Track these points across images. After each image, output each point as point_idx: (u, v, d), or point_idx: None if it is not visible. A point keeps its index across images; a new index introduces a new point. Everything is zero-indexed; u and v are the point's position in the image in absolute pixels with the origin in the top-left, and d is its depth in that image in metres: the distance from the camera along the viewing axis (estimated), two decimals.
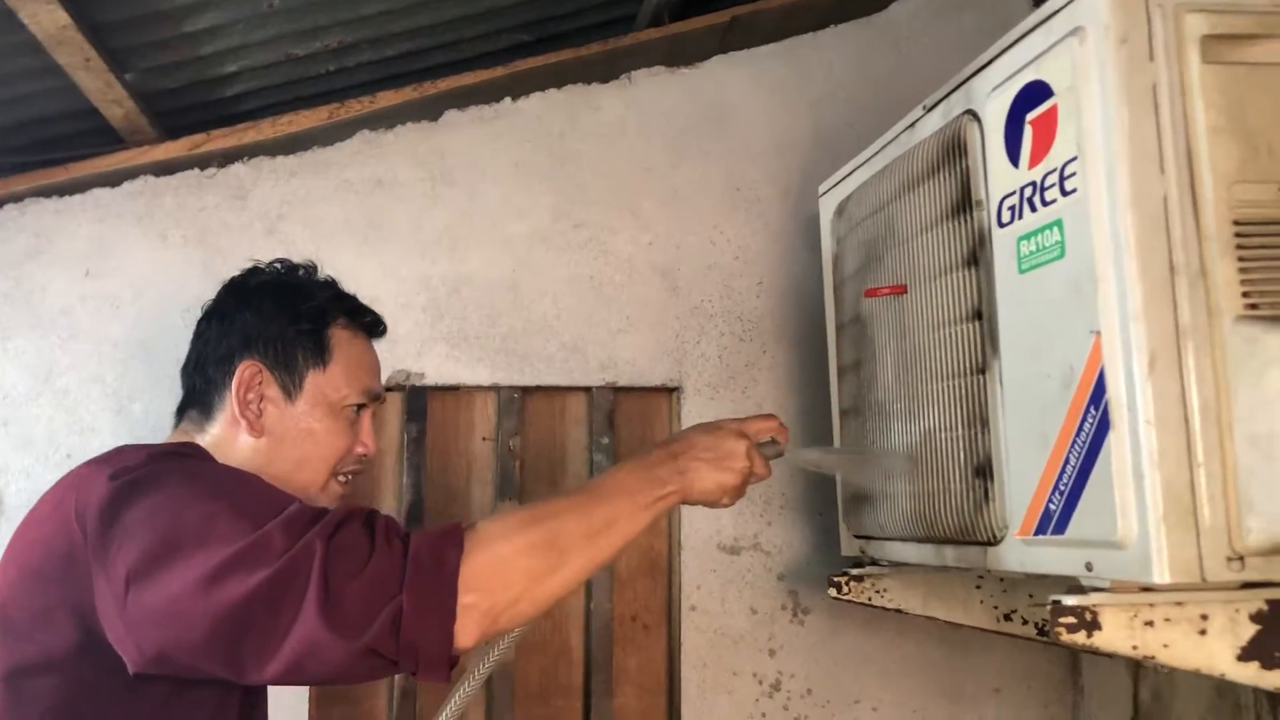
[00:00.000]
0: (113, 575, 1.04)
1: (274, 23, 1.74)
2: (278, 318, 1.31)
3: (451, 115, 2.00)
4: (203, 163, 1.93)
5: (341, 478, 1.35)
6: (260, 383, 1.29)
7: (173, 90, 1.83)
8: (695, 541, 1.97)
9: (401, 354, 1.91)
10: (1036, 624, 1.78)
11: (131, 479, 1.09)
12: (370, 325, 1.42)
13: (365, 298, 1.91)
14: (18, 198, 1.88)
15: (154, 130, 1.85)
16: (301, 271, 1.41)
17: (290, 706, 1.81)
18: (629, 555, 1.99)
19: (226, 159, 1.94)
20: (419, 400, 1.93)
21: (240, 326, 1.31)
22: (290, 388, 1.30)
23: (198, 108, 1.91)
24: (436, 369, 1.92)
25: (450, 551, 1.06)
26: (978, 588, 1.76)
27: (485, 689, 1.90)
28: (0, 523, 1.78)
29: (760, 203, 2.06)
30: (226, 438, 1.28)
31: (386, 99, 1.93)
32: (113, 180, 1.92)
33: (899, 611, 1.74)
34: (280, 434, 1.29)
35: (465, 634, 1.05)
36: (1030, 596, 1.75)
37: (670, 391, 2.02)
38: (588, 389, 1.98)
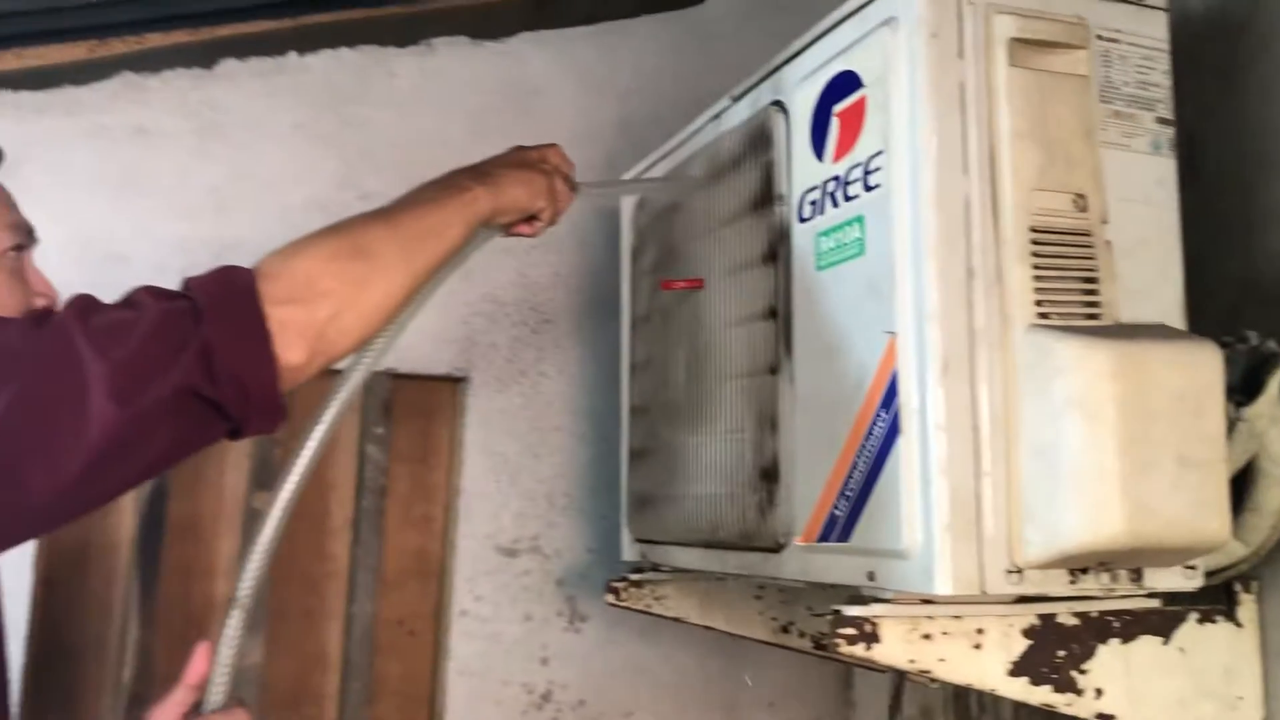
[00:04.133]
0: None
1: None
2: None
3: (229, 65, 1.82)
4: None
5: None
6: None
7: None
8: (471, 542, 1.85)
9: None
10: (813, 637, 1.76)
11: None
12: None
13: (114, 256, 1.73)
14: None
15: None
16: None
17: None
18: (399, 556, 1.86)
19: None
20: None
21: None
22: None
23: None
24: None
25: (239, 275, 0.92)
26: (758, 598, 1.72)
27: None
28: None
29: None
30: None
31: (156, 40, 1.74)
32: None
33: (677, 620, 1.68)
34: None
35: (290, 350, 0.90)
36: (809, 609, 1.72)
37: (456, 381, 1.90)
38: None
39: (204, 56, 1.81)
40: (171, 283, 1.73)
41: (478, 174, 1.14)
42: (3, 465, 0.82)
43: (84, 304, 0.89)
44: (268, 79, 1.84)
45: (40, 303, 1.10)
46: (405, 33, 1.90)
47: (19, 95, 1.74)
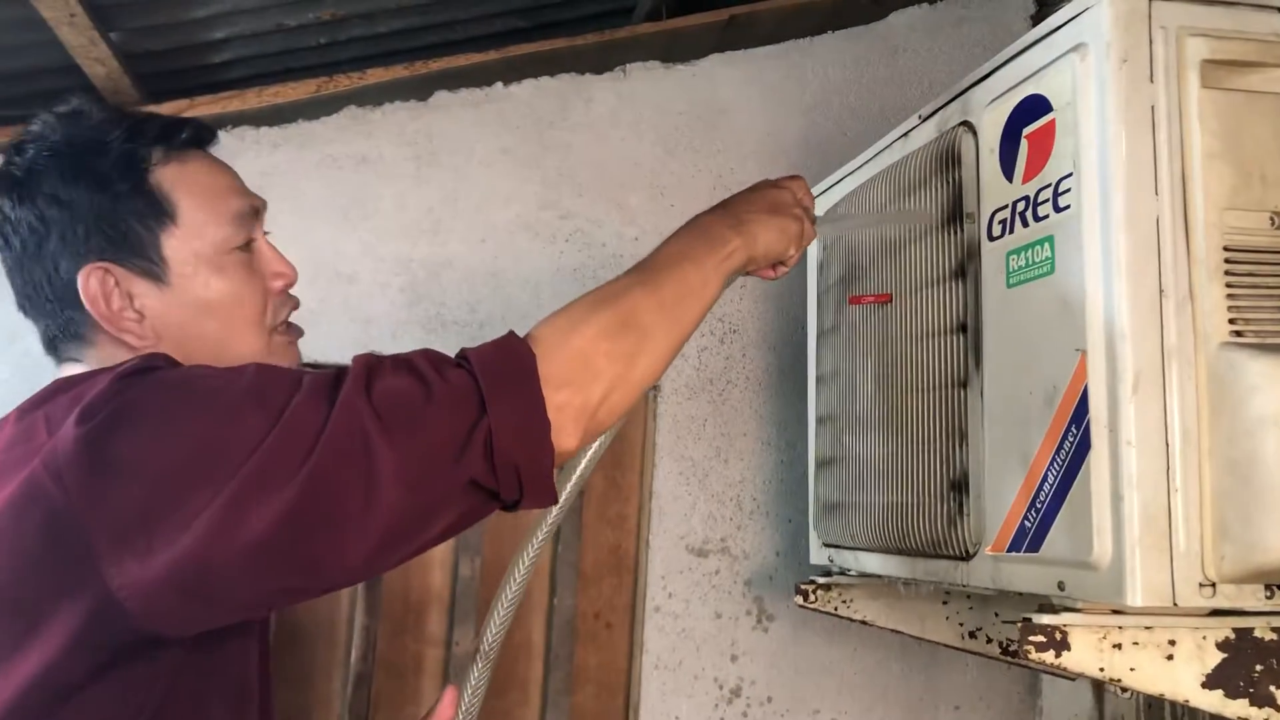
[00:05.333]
0: (119, 526, 0.82)
1: None
2: (83, 196, 0.99)
3: (441, 96, 1.98)
4: None
5: (280, 331, 1.09)
6: (115, 283, 0.99)
7: (158, 53, 1.80)
8: (663, 541, 1.95)
9: (375, 335, 1.88)
10: (1001, 643, 1.77)
11: (109, 411, 0.85)
12: (195, 139, 1.06)
13: (343, 275, 1.90)
14: None
15: (136, 92, 1.82)
16: (74, 121, 1.02)
17: None
18: (596, 552, 1.97)
19: None
20: None
21: (46, 233, 0.99)
22: (151, 268, 1.00)
23: (183, 72, 1.87)
24: None
25: (523, 355, 0.92)
26: (944, 603, 1.75)
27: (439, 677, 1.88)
28: None
29: None
30: (125, 357, 0.97)
31: (376, 76, 1.91)
32: None
33: (864, 623, 1.73)
34: (178, 323, 1.01)
35: (565, 435, 0.92)
36: (996, 615, 1.74)
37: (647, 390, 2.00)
38: None
39: (420, 89, 1.97)
40: (393, 298, 1.90)
41: (732, 221, 1.13)
42: (296, 544, 0.83)
43: (367, 371, 0.89)
44: (477, 108, 1.98)
45: (278, 284, 1.08)
46: (601, 60, 2.02)
47: (259, 131, 1.93)
